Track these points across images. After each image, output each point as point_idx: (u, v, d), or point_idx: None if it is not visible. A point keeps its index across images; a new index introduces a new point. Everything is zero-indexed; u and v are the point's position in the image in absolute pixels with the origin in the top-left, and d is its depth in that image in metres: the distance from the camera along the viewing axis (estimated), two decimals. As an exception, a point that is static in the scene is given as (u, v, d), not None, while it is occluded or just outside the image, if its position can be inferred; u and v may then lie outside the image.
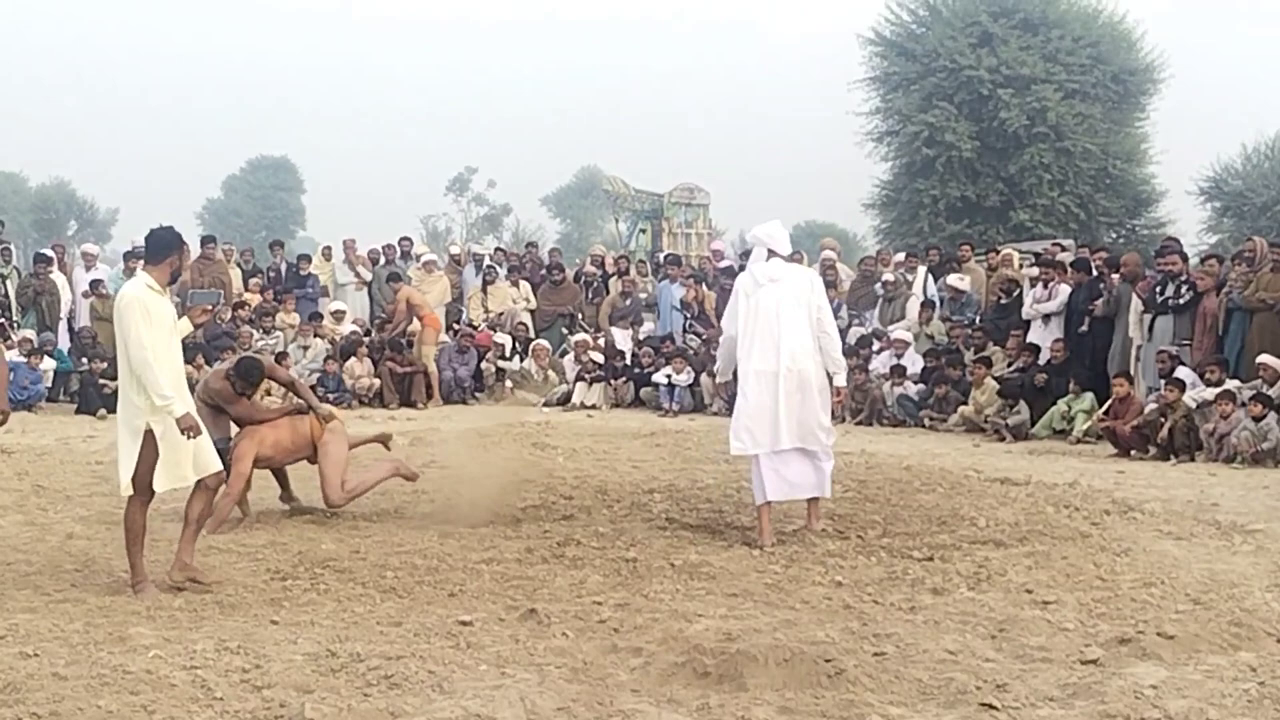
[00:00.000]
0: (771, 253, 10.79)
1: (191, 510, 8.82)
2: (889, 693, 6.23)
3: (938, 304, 21.18)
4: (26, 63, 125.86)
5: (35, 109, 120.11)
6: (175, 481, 8.57)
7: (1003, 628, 7.37)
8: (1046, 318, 18.80)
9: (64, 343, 22.37)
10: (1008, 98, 37.37)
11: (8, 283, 22.87)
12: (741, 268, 23.62)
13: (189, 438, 8.36)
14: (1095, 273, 18.54)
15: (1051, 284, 18.84)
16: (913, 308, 21.12)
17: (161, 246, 8.70)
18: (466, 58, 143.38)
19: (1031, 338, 18.84)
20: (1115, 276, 18.08)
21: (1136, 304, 17.43)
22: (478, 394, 22.76)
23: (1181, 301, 16.68)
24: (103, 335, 21.78)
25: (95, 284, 22.91)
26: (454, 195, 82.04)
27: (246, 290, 24.14)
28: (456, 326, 23.60)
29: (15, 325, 21.93)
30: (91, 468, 14.23)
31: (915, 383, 19.43)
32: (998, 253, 22.26)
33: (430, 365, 21.98)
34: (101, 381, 19.88)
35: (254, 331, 22.32)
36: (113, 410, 19.05)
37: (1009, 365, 18.71)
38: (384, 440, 12.50)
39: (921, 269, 22.03)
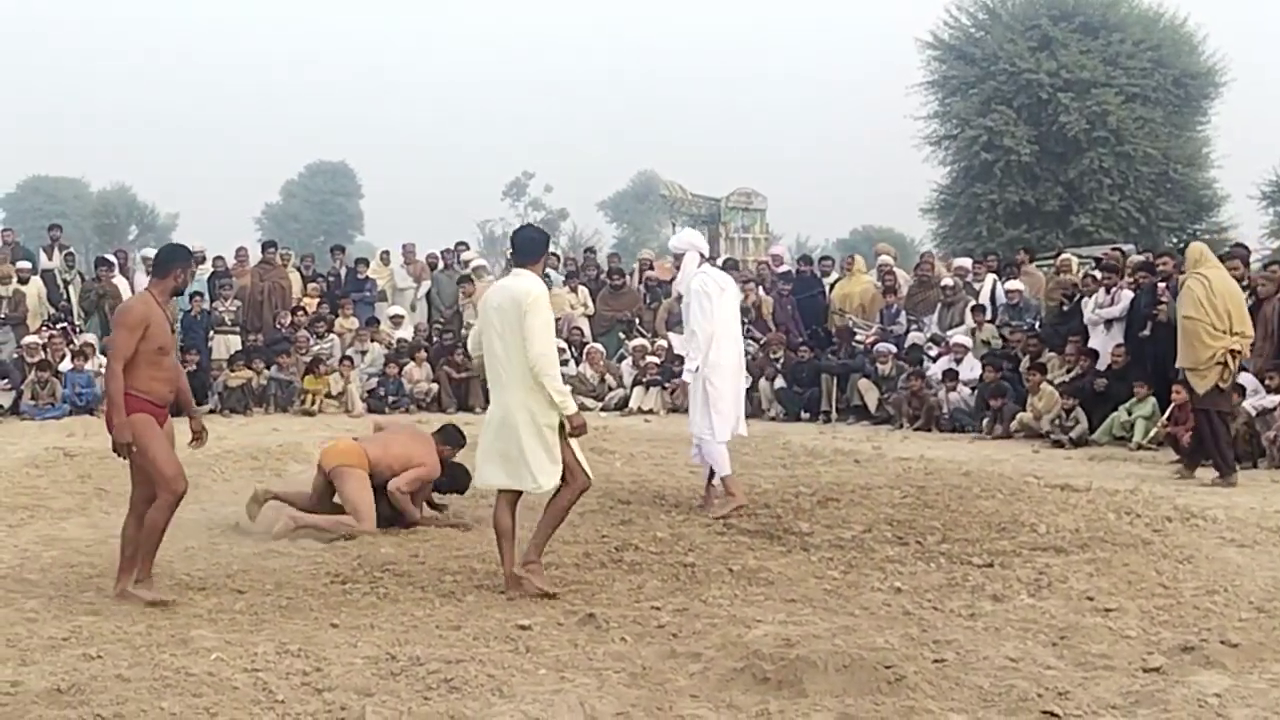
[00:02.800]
0: (702, 257, 12.38)
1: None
2: (949, 699, 6.19)
3: (989, 309, 21.01)
4: (89, 69, 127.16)
5: (97, 114, 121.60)
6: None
7: (1064, 635, 7.32)
8: (1108, 323, 18.65)
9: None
10: (1067, 101, 37.16)
11: (71, 287, 23.12)
12: (800, 271, 23.72)
13: None
14: (1159, 277, 18.38)
15: (1114, 289, 18.69)
16: (970, 313, 20.98)
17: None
18: (524, 63, 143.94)
19: (1092, 343, 18.68)
20: (1163, 285, 17.93)
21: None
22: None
23: (1244, 308, 16.49)
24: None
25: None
26: (511, 200, 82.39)
27: (305, 295, 24.29)
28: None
29: (79, 330, 22.15)
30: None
31: (972, 389, 19.32)
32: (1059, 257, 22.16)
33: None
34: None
35: (310, 336, 22.46)
36: (174, 414, 19.33)
37: (1067, 371, 18.57)
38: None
39: (990, 277, 21.86)
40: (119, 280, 23.07)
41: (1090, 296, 19.05)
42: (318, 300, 24.02)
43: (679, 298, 23.64)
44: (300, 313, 23.19)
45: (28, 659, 6.85)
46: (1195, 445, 14.51)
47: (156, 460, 8.42)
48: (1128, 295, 18.53)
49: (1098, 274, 19.46)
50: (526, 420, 8.53)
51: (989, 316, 20.84)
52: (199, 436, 9.15)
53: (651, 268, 26.14)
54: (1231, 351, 13.90)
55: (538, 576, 8.61)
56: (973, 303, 21.11)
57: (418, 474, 11.29)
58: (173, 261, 8.82)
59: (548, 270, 25.33)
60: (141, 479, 8.63)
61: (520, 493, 8.77)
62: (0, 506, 12.08)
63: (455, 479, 11.72)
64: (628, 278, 25.85)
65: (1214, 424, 14.02)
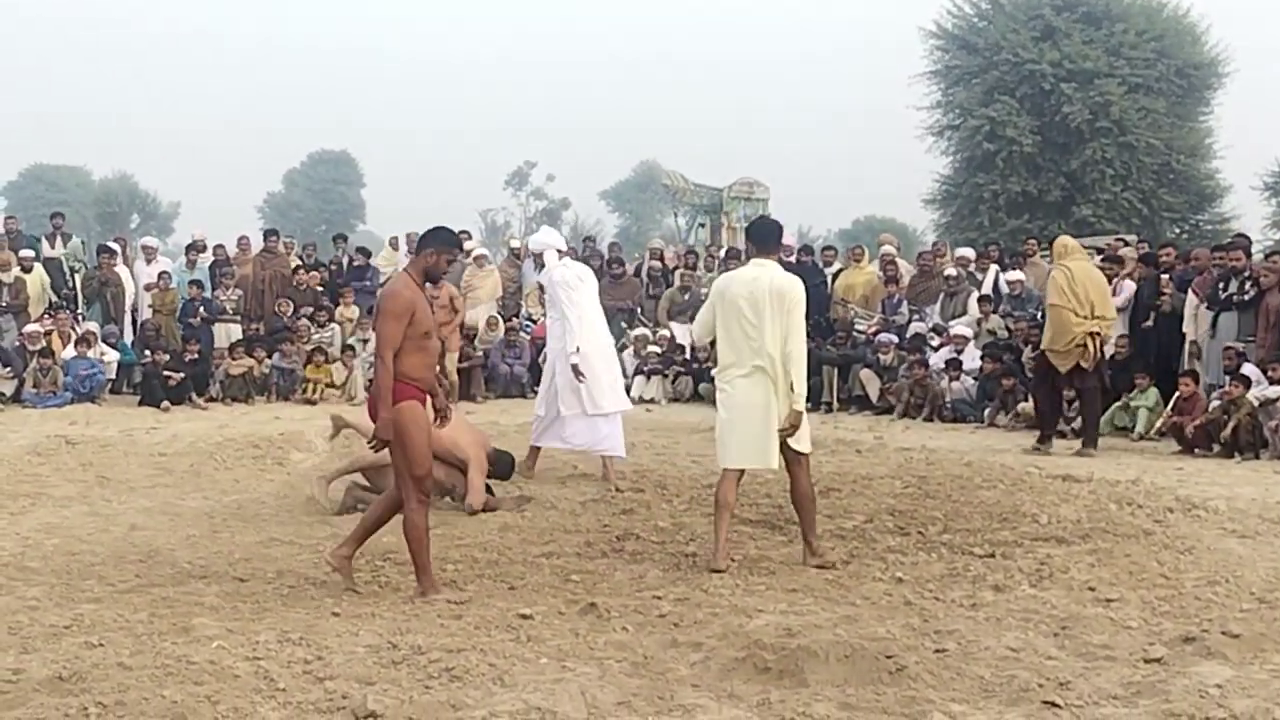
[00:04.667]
0: (560, 252, 13.87)
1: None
2: (950, 689, 6.19)
3: (999, 300, 21.00)
4: (91, 57, 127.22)
5: (98, 103, 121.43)
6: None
7: (1065, 625, 7.32)
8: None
9: (128, 336, 22.55)
10: (1070, 92, 37.17)
11: (76, 275, 23.11)
12: (801, 261, 23.69)
13: None
14: (1160, 268, 18.40)
15: (1115, 280, 18.67)
16: (974, 303, 20.96)
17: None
18: (525, 52, 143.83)
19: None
20: (1165, 276, 17.95)
21: (1192, 300, 17.29)
22: (536, 388, 22.73)
23: (1245, 298, 16.52)
24: (163, 328, 21.99)
25: (162, 275, 23.11)
26: (513, 189, 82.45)
27: (303, 272, 24.19)
28: (515, 321, 23.58)
29: (81, 317, 22.15)
30: (155, 459, 14.38)
31: (974, 379, 19.31)
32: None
33: (454, 375, 21.43)
34: (166, 374, 20.01)
35: (311, 325, 22.43)
36: (176, 402, 19.37)
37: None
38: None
39: (993, 268, 21.83)
40: (120, 269, 23.04)
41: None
42: (318, 284, 23.88)
43: (682, 288, 23.85)
44: (304, 288, 23.18)
45: (29, 647, 6.84)
46: (1046, 419, 15.92)
47: (412, 455, 8.19)
48: (1129, 286, 18.53)
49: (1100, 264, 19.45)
50: (768, 403, 8.94)
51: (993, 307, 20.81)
52: (443, 415, 8.79)
53: (661, 257, 26.08)
54: (1091, 334, 15.09)
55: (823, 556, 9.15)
56: (978, 293, 21.09)
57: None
58: (427, 243, 8.54)
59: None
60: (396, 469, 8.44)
61: (744, 472, 9.29)
62: (2, 494, 12.09)
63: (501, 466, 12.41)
64: (628, 267, 25.76)
65: (1090, 399, 15.53)
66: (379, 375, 8.16)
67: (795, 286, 9.03)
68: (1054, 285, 15.28)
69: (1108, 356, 18.03)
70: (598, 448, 13.10)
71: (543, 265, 13.69)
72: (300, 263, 24.74)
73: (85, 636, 7.02)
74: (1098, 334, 15.19)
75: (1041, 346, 15.77)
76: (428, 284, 8.43)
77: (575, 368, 12.78)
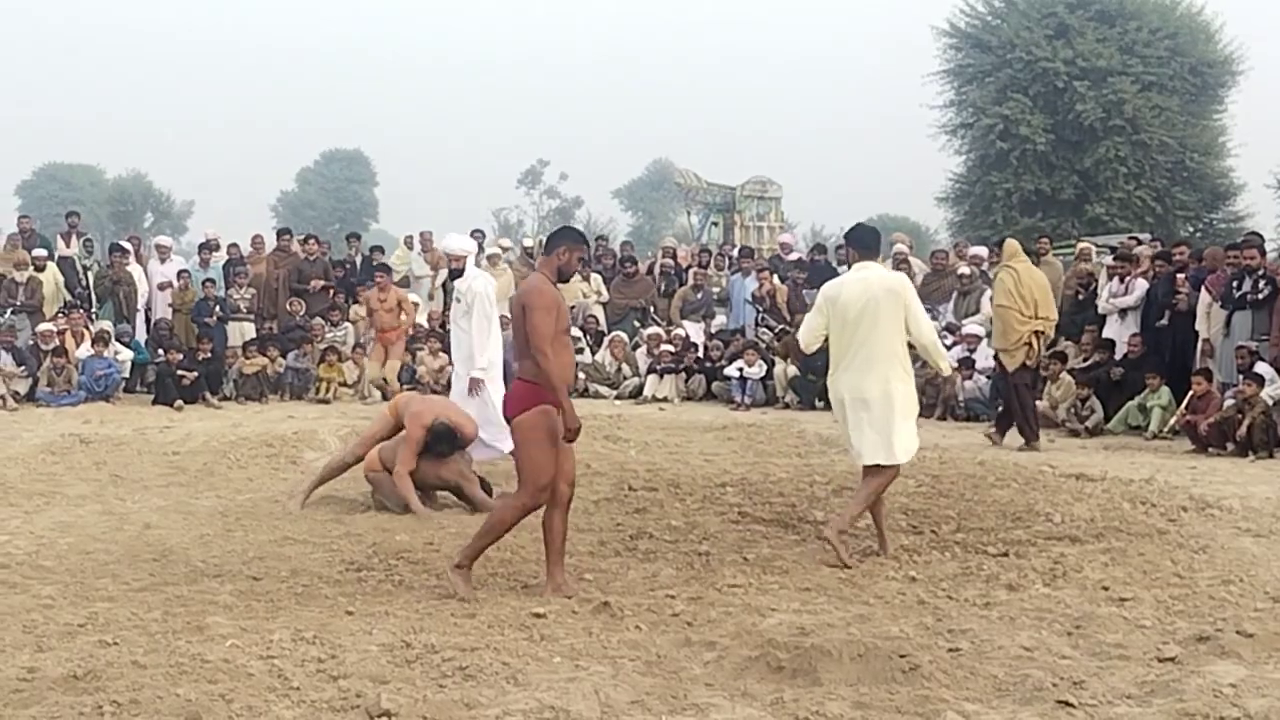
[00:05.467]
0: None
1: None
2: (964, 689, 6.19)
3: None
4: (104, 57, 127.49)
5: (113, 102, 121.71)
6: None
7: (1079, 624, 7.31)
8: (1123, 313, 18.62)
9: (140, 334, 22.59)
10: (1084, 90, 37.09)
11: (89, 274, 23.15)
12: (814, 260, 23.67)
13: None
14: (1175, 267, 18.37)
15: (1128, 278, 18.66)
16: (987, 302, 20.91)
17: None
18: (539, 51, 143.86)
19: (1107, 332, 18.68)
20: (1181, 275, 17.95)
21: (1205, 298, 17.26)
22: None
23: (1260, 297, 16.47)
24: (179, 327, 22.05)
25: (181, 274, 23.18)
26: (526, 188, 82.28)
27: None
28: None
29: (95, 316, 22.19)
30: (168, 458, 14.40)
31: (987, 378, 19.28)
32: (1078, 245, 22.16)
33: (395, 383, 21.18)
34: (180, 373, 20.05)
35: (325, 323, 22.46)
36: (190, 401, 19.41)
37: (1083, 360, 18.54)
38: None
39: (1005, 265, 21.82)
40: (133, 268, 23.09)
41: (1105, 286, 19.07)
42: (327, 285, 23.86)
43: (695, 286, 23.83)
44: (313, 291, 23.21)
45: (44, 645, 6.87)
46: (1004, 413, 16.24)
47: (537, 462, 8.14)
48: (1142, 285, 18.52)
49: (1110, 261, 19.48)
50: (892, 397, 9.41)
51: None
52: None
53: (675, 256, 26.07)
54: (1036, 333, 15.66)
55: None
56: (991, 292, 21.03)
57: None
58: (559, 241, 8.54)
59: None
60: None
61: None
62: (16, 493, 12.12)
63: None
64: (640, 266, 25.74)
65: (1022, 396, 15.83)
66: (548, 371, 8.04)
67: (905, 281, 9.79)
68: (1001, 287, 15.88)
69: (1120, 355, 18.06)
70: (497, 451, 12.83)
71: (459, 273, 13.51)
72: (317, 251, 24.64)
73: (100, 635, 7.04)
74: (1041, 333, 15.77)
75: (991, 345, 16.46)
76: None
77: (477, 381, 13.06)
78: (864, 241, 9.97)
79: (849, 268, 10.26)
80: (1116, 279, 18.89)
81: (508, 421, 8.26)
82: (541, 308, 8.07)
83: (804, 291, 22.51)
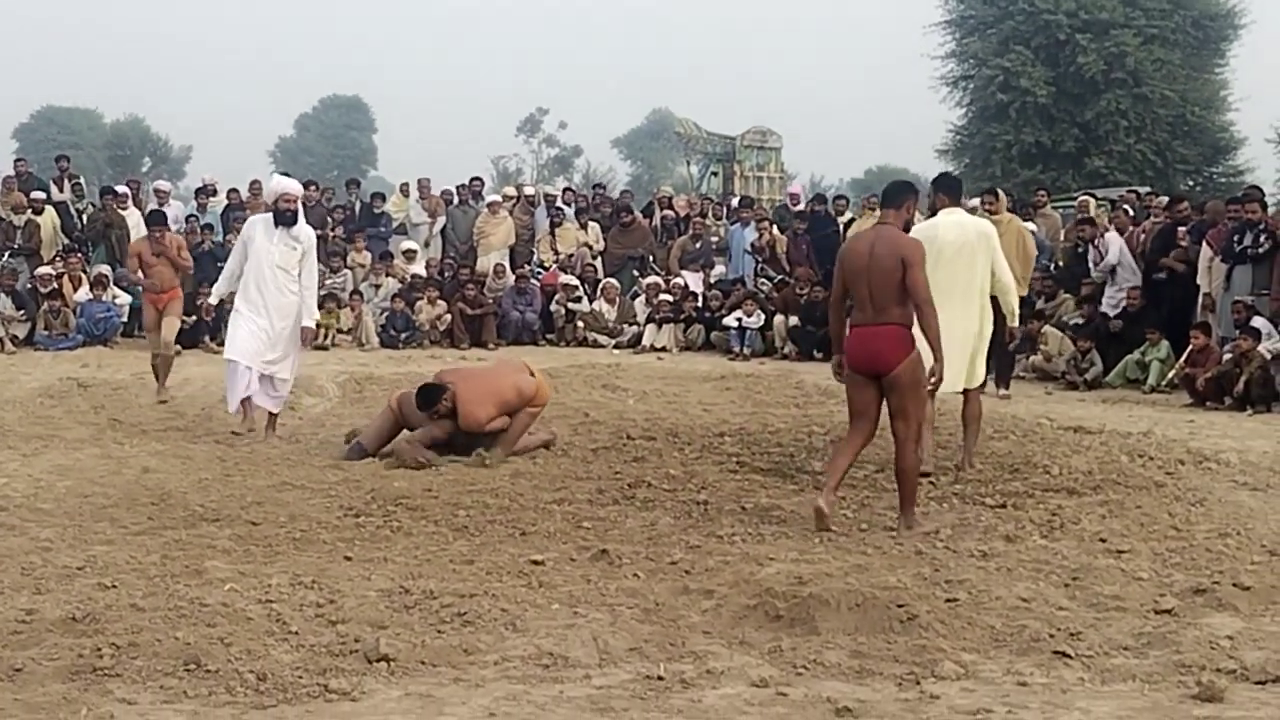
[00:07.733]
0: None
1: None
2: (961, 639, 6.21)
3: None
4: (102, 1, 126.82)
5: (110, 45, 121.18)
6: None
7: (1076, 576, 7.33)
8: (1113, 272, 18.58)
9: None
10: (1085, 43, 36.89)
11: (83, 217, 23.05)
12: (814, 211, 23.62)
13: None
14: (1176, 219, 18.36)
15: (1097, 240, 18.69)
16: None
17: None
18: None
19: (1109, 290, 18.62)
20: (1182, 230, 17.94)
21: (1206, 253, 17.23)
22: (548, 336, 22.77)
23: (1260, 251, 16.44)
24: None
25: (190, 218, 23.30)
26: (525, 136, 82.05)
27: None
28: (525, 268, 23.60)
29: (91, 260, 22.14)
30: (167, 403, 14.37)
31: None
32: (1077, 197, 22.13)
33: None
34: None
35: (324, 269, 22.39)
36: (188, 346, 19.37)
37: (1082, 315, 18.52)
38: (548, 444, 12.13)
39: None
40: (130, 213, 22.94)
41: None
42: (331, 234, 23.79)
43: (694, 236, 23.77)
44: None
45: (43, 588, 6.88)
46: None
47: (922, 400, 8.96)
48: (1115, 240, 18.53)
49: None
50: (978, 333, 10.58)
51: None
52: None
53: (670, 205, 26.02)
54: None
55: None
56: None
57: None
58: (905, 194, 9.08)
59: (560, 205, 25.30)
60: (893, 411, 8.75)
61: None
62: (15, 436, 12.12)
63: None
64: (638, 215, 25.65)
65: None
66: (932, 323, 8.58)
67: (991, 227, 10.89)
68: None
69: (1121, 309, 18.05)
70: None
71: (293, 217, 12.62)
72: (317, 197, 24.48)
73: (98, 578, 7.05)
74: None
75: None
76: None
77: (310, 331, 13.05)
78: (950, 188, 11.08)
79: (933, 213, 10.92)
80: (1090, 246, 18.88)
81: (895, 365, 8.59)
82: (918, 263, 8.57)
83: (803, 243, 22.48)
